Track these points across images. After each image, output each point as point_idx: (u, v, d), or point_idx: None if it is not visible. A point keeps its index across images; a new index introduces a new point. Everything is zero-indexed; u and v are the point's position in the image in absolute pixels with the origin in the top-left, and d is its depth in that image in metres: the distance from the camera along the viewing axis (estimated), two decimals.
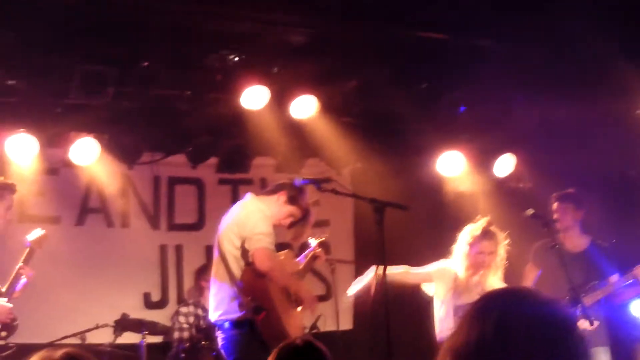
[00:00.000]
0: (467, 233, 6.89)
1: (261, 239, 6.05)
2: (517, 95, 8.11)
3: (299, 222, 6.55)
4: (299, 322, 6.47)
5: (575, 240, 7.56)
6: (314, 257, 6.84)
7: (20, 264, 6.45)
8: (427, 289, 7.01)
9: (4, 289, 6.29)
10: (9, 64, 6.78)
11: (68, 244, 8.58)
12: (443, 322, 6.87)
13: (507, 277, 7.17)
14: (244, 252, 6.11)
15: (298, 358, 3.46)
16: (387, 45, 7.10)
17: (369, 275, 6.66)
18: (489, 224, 6.87)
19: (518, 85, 7.81)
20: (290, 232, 6.62)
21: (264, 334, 5.98)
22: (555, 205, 7.57)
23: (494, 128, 8.58)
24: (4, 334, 6.18)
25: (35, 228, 8.34)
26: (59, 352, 2.92)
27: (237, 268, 6.14)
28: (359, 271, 9.48)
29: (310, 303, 6.52)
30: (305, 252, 6.85)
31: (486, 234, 6.83)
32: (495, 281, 6.76)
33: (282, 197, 6.41)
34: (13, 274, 6.39)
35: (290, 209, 6.44)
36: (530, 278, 7.53)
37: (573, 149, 8.49)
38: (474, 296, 6.78)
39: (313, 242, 6.90)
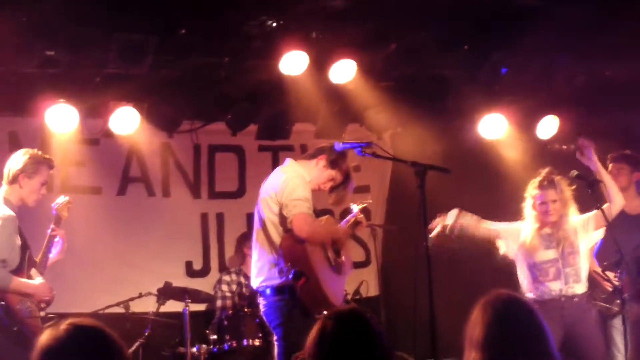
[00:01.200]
0: (529, 186, 6.87)
1: (299, 205, 6.00)
2: (561, 56, 7.97)
3: (340, 187, 6.49)
4: (339, 287, 6.43)
5: (631, 202, 7.41)
6: (356, 223, 6.77)
7: (50, 228, 6.46)
8: (500, 246, 7.00)
9: (37, 260, 6.31)
10: (48, 34, 6.76)
11: (110, 214, 8.63)
12: (522, 283, 6.86)
13: None
14: (283, 219, 6.07)
15: (344, 327, 3.37)
16: (428, 7, 6.99)
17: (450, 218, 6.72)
18: (550, 173, 6.84)
19: (562, 45, 7.68)
20: (331, 197, 6.56)
21: (304, 299, 5.95)
22: (610, 167, 7.45)
23: (538, 90, 8.46)
24: (43, 305, 6.21)
25: (77, 198, 8.41)
26: (64, 324, 2.88)
27: (276, 234, 6.11)
28: (388, 237, 9.45)
29: (349, 268, 6.50)
30: (347, 218, 6.78)
31: (545, 182, 6.79)
32: (571, 224, 6.75)
33: (322, 161, 6.34)
34: (45, 242, 6.40)
35: (331, 172, 6.38)
36: None
37: (618, 109, 8.36)
38: (550, 252, 6.75)
39: (355, 207, 6.82)
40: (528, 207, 6.88)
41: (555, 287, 6.70)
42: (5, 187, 6.16)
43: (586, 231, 6.81)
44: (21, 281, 6.03)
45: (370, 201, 7.30)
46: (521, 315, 3.29)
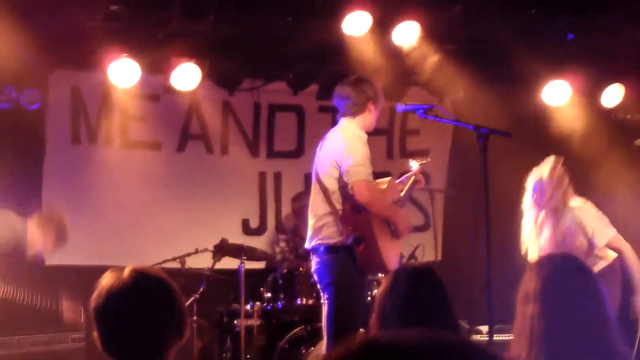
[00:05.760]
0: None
1: (359, 171, 5.94)
2: (628, 23, 7.79)
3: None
4: (396, 252, 6.40)
5: None
6: (415, 182, 6.70)
7: None
8: None
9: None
10: None
11: (169, 170, 8.71)
12: None
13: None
14: (342, 183, 6.03)
15: (418, 281, 3.44)
16: None
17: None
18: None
19: (630, 12, 7.50)
20: None
21: (362, 264, 5.93)
22: None
23: (603, 57, 8.30)
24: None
25: (137, 154, 8.49)
26: (127, 270, 2.92)
27: (336, 198, 6.08)
28: (448, 202, 9.40)
29: (406, 233, 6.43)
30: (407, 175, 6.71)
31: (535, 173, 6.66)
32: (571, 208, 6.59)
33: (370, 106, 6.27)
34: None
35: (377, 107, 6.34)
36: None
37: None
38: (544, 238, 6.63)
39: (414, 164, 6.75)
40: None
41: None
42: None
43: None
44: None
45: (430, 160, 7.19)
46: (574, 270, 3.31)
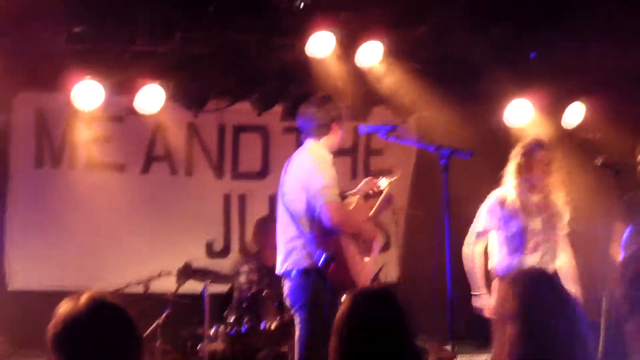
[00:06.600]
0: (520, 146, 6.72)
1: (327, 194, 5.94)
2: (592, 42, 7.88)
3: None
4: (368, 271, 6.41)
5: None
6: (388, 198, 6.71)
7: None
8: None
9: None
10: (76, 10, 6.77)
11: (132, 192, 8.67)
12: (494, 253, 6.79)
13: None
14: (311, 207, 6.02)
15: (376, 304, 3.44)
16: None
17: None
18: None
19: (594, 30, 7.59)
20: None
21: (333, 284, 5.93)
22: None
23: (565, 76, 8.38)
24: None
25: (101, 176, 8.45)
26: (84, 297, 2.89)
27: (304, 221, 6.06)
28: (412, 221, 9.43)
29: (379, 244, 6.45)
30: (380, 199, 6.72)
31: (542, 142, 6.67)
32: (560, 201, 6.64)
33: (335, 126, 6.27)
34: None
35: (341, 127, 6.35)
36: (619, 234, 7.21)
37: None
38: (537, 220, 6.65)
39: (384, 182, 6.74)
40: (515, 167, 6.69)
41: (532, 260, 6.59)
42: None
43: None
44: None
45: (398, 176, 7.14)
46: (549, 287, 3.29)
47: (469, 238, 6.68)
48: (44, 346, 2.83)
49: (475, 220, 6.78)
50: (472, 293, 6.64)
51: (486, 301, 6.50)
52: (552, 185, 6.65)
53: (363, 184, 6.70)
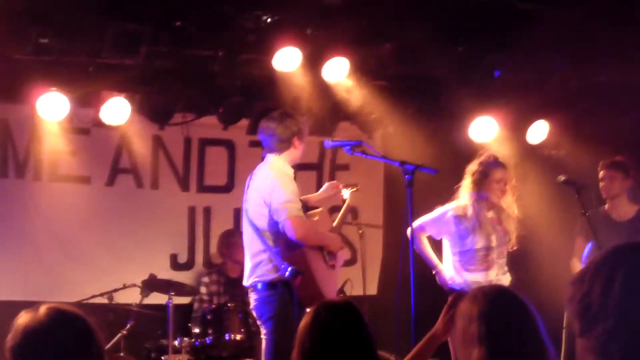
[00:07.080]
0: (476, 164, 6.80)
1: (289, 208, 5.96)
2: (555, 61, 7.98)
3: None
4: (334, 283, 6.46)
5: (622, 209, 7.34)
6: (349, 209, 6.76)
7: None
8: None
9: None
10: (42, 22, 6.75)
11: (98, 204, 8.63)
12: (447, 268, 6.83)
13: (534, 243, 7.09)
14: (274, 221, 6.04)
15: (337, 317, 3.46)
16: (423, 7, 6.99)
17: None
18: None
19: (556, 49, 7.68)
20: None
21: (300, 297, 5.95)
22: (602, 173, 7.30)
23: (530, 93, 8.47)
24: None
25: (66, 188, 8.41)
26: (44, 307, 2.87)
27: (268, 235, 6.08)
28: (387, 236, 9.48)
29: (345, 255, 6.50)
30: (342, 210, 6.77)
31: (498, 160, 6.75)
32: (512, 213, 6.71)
33: (296, 141, 6.30)
34: None
35: (303, 141, 6.38)
36: (580, 250, 7.28)
37: (611, 114, 8.35)
38: (493, 237, 6.70)
39: (346, 193, 6.81)
40: (471, 183, 6.80)
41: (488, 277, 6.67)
42: None
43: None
44: None
45: (359, 188, 7.15)
46: (514, 305, 3.21)
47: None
48: (3, 358, 2.80)
49: (428, 218, 6.87)
50: (433, 272, 6.82)
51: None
52: (506, 202, 6.73)
53: (325, 188, 6.78)
